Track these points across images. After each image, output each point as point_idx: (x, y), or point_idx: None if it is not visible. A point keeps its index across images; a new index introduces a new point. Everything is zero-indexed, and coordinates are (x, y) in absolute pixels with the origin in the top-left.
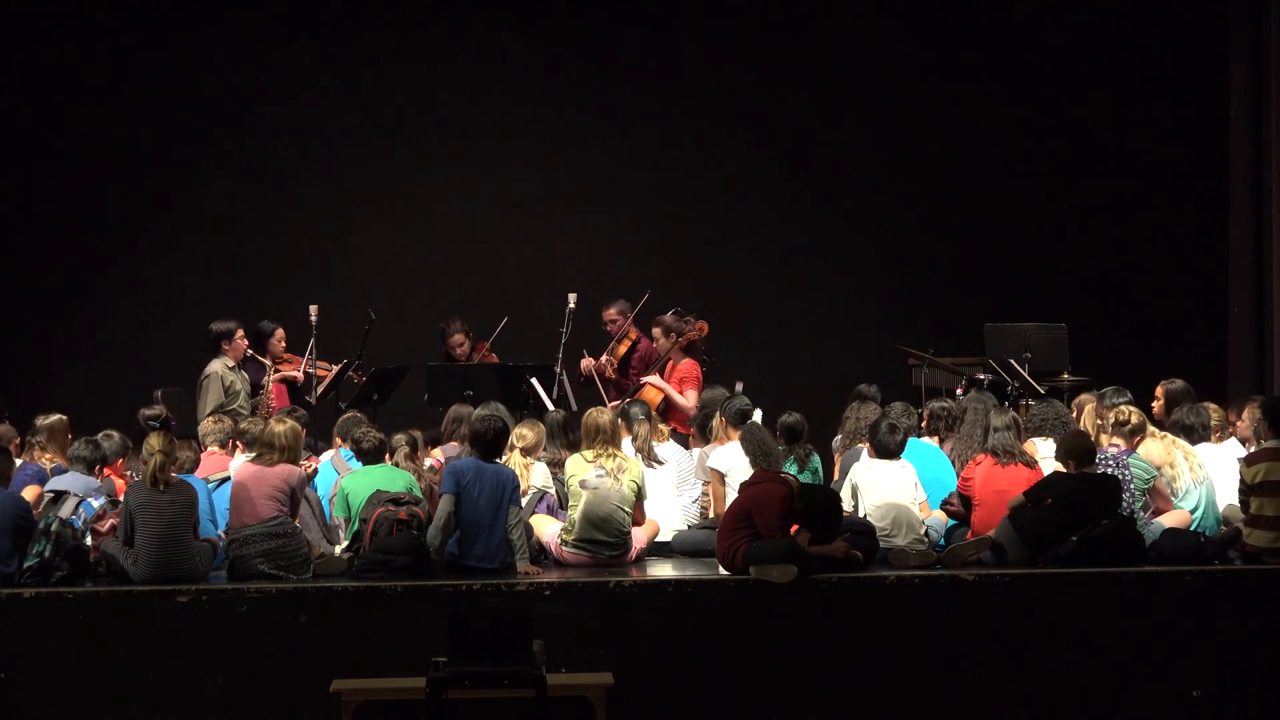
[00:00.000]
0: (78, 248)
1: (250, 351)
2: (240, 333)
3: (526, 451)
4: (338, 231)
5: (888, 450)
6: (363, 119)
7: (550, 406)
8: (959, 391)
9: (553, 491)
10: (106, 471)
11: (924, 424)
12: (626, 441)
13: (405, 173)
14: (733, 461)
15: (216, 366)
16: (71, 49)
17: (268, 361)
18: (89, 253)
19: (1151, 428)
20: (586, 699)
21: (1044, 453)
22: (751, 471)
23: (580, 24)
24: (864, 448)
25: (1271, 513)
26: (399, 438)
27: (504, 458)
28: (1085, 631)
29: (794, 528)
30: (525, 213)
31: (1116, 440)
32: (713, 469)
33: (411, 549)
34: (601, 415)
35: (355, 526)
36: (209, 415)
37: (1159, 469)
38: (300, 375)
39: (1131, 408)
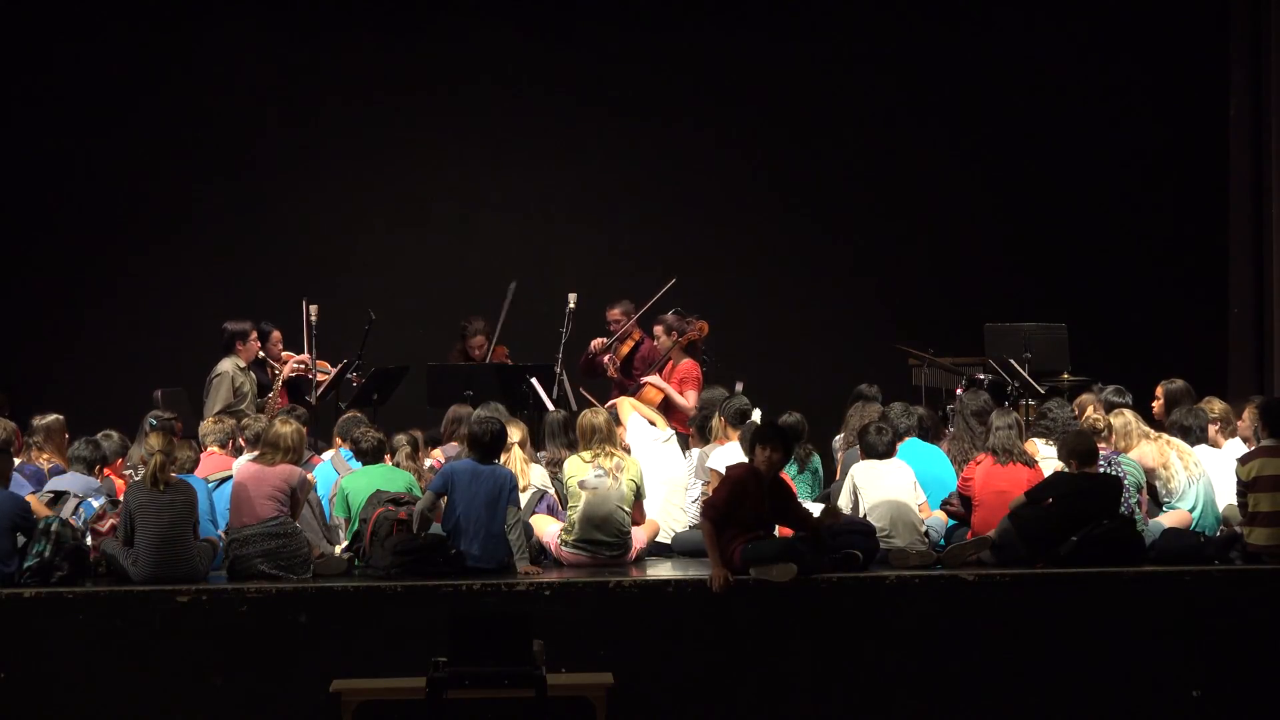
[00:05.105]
0: (78, 248)
1: (262, 354)
2: (255, 334)
3: (523, 445)
4: (338, 231)
5: (876, 451)
6: (363, 120)
7: (550, 406)
8: (959, 391)
9: (552, 491)
10: (106, 471)
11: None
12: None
13: (405, 173)
14: (732, 461)
15: (227, 366)
16: (72, 53)
17: (278, 368)
18: (89, 253)
19: (1146, 428)
20: (586, 699)
21: (1044, 453)
22: None
23: (582, 25)
24: None
25: (1268, 508)
26: (399, 438)
27: (503, 457)
28: (1085, 631)
29: (787, 530)
30: (525, 213)
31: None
32: (712, 469)
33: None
34: (596, 416)
35: (355, 526)
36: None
37: (1153, 470)
38: (305, 366)
39: (1098, 414)
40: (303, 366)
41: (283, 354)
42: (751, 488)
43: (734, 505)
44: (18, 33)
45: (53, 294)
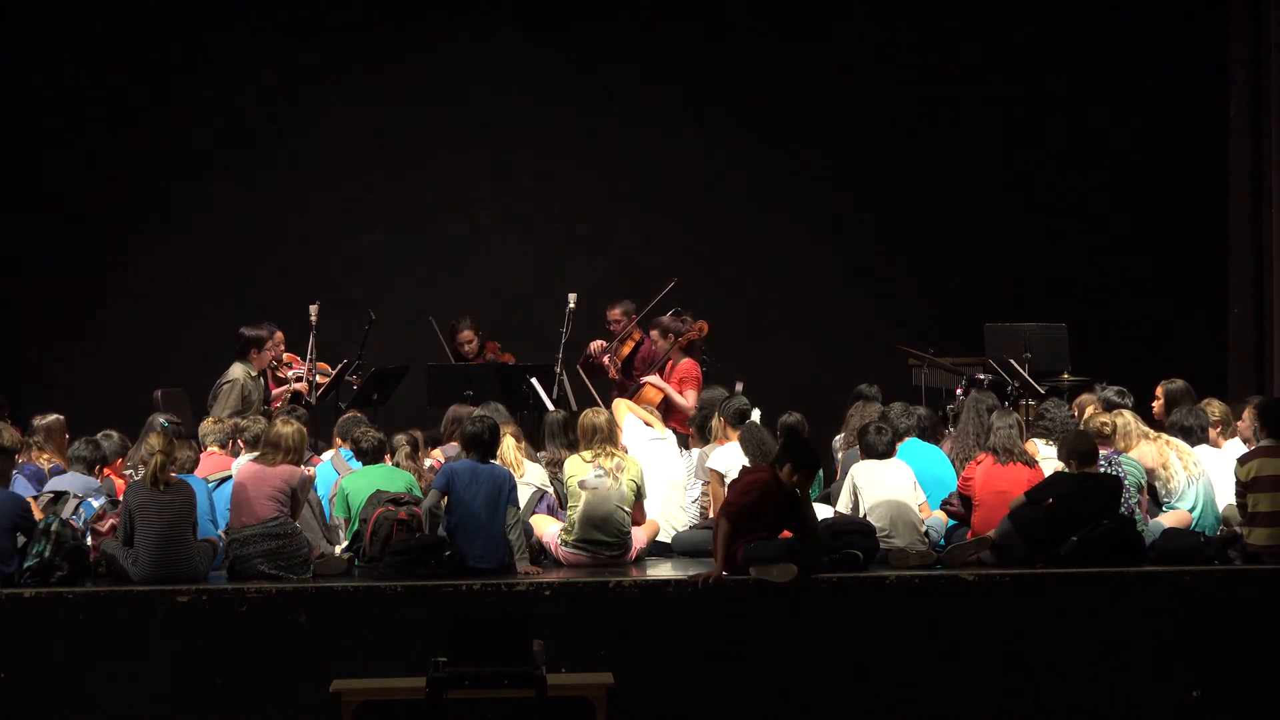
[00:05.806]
0: (78, 247)
1: (275, 363)
2: (269, 342)
3: (516, 438)
4: (338, 231)
5: (876, 451)
6: (363, 119)
7: (550, 406)
8: (959, 391)
9: (552, 491)
10: (106, 471)
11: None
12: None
13: (405, 172)
14: (732, 461)
15: (239, 373)
16: (76, 55)
17: (281, 371)
18: (89, 252)
19: (1145, 428)
20: (586, 699)
21: (1045, 453)
22: None
23: (582, 24)
24: None
25: (1267, 508)
26: (399, 438)
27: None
28: (1085, 631)
29: (786, 533)
30: (525, 212)
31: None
32: (712, 469)
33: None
34: (597, 416)
35: (355, 526)
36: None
37: (1153, 470)
38: (305, 386)
39: (1101, 415)
40: (303, 387)
41: (284, 355)
42: (773, 493)
43: (756, 510)
44: (21, 36)
45: (53, 294)
